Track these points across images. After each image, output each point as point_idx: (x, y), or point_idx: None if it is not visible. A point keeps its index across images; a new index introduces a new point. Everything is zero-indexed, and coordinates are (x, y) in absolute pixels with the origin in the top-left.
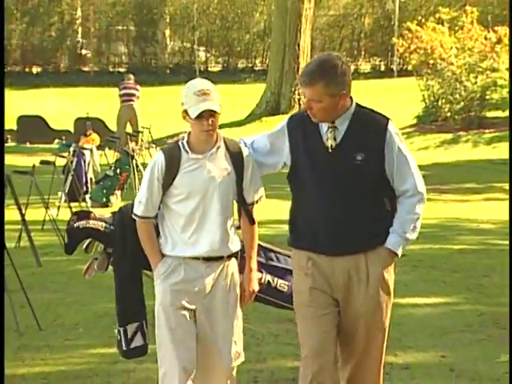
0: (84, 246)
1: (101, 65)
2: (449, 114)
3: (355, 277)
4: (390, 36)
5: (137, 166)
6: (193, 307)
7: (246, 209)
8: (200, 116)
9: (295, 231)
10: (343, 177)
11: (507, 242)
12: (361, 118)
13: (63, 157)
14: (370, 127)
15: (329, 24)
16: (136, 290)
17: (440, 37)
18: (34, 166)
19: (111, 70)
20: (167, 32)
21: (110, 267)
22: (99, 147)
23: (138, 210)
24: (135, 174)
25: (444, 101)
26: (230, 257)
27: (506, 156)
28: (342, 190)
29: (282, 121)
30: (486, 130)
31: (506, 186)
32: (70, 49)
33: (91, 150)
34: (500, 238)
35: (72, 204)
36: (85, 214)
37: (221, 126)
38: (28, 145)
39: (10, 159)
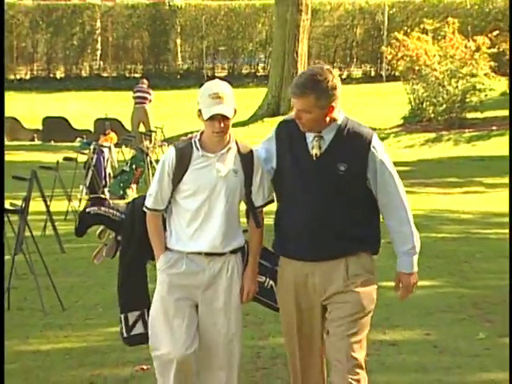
0: (97, 232)
1: (118, 71)
2: (432, 115)
3: (335, 280)
4: (380, 45)
5: (150, 163)
6: (193, 300)
7: (253, 212)
8: (212, 118)
9: (280, 236)
10: (326, 185)
11: (485, 231)
12: (347, 130)
13: (84, 154)
14: (354, 139)
15: (324, 34)
16: (138, 279)
17: (424, 45)
18: (58, 162)
19: (127, 75)
20: (178, 41)
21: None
22: (117, 145)
23: (148, 202)
24: (149, 170)
25: (428, 103)
26: (232, 252)
27: (484, 153)
28: (325, 197)
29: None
30: (466, 130)
31: (485, 180)
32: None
33: (109, 148)
34: (479, 228)
35: (92, 196)
36: (99, 201)
37: None
38: (52, 143)
39: (36, 156)
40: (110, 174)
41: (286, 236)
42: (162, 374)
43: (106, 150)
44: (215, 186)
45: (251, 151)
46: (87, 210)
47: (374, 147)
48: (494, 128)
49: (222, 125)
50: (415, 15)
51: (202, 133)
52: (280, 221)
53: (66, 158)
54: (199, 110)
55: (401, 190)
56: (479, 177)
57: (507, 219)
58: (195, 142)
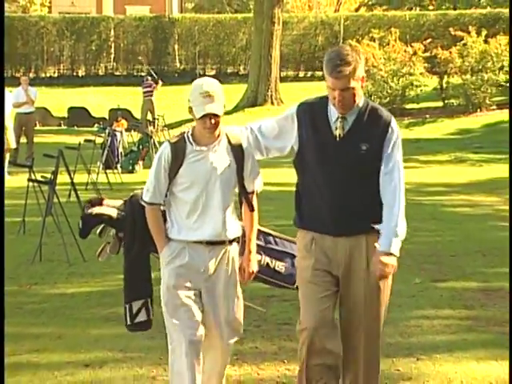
0: (98, 232)
1: (128, 70)
2: None
3: (357, 254)
4: None
5: (154, 144)
6: (197, 288)
7: (246, 197)
8: (204, 116)
9: (301, 214)
10: (348, 165)
11: (420, 198)
12: (368, 112)
13: (101, 137)
14: (375, 121)
15: (292, 41)
16: (143, 270)
17: (372, 50)
18: (79, 143)
19: (135, 74)
20: (176, 46)
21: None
22: (127, 130)
23: (146, 196)
24: (153, 150)
25: (375, 96)
26: (231, 242)
27: (419, 136)
28: (346, 176)
29: (290, 107)
30: (405, 118)
31: (419, 158)
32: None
33: (121, 132)
34: (414, 195)
35: (107, 171)
36: (97, 202)
37: None
38: (75, 128)
39: (62, 138)
40: (121, 153)
41: (307, 212)
42: (173, 351)
43: (118, 134)
44: (210, 178)
45: (240, 141)
46: (89, 211)
47: (391, 130)
48: (428, 116)
49: (213, 121)
50: (365, 26)
51: (193, 128)
52: (301, 199)
53: (86, 140)
54: (190, 107)
55: (402, 176)
56: (415, 155)
57: (437, 188)
58: (188, 136)
